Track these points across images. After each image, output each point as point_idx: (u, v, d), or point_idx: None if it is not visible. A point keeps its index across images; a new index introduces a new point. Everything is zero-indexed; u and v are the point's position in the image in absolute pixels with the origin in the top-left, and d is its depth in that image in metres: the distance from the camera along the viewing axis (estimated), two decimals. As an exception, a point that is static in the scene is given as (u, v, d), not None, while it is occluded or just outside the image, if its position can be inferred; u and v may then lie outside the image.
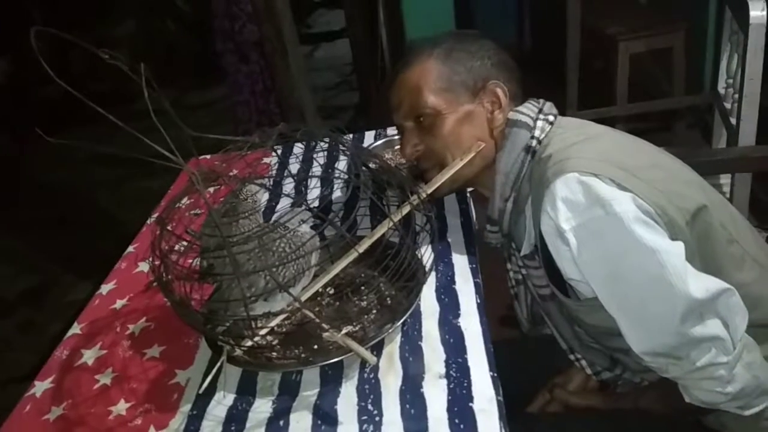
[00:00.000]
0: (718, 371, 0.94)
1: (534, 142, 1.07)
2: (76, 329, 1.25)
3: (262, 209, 1.40)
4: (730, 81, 2.01)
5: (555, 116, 1.11)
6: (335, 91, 4.97)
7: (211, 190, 1.32)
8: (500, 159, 1.10)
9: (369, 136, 1.81)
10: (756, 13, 1.71)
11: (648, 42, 3.07)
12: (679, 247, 0.93)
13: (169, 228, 1.00)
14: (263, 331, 1.03)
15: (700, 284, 0.92)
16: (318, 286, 1.08)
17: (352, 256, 1.08)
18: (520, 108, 1.12)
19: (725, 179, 2.25)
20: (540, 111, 1.12)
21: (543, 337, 1.37)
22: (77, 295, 3.18)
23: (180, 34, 5.60)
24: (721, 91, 2.12)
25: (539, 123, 1.09)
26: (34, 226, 3.87)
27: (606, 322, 1.01)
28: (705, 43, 3.17)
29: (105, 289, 1.36)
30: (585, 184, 0.94)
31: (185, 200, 1.64)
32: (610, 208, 0.92)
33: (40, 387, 1.11)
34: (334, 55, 5.74)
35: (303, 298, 1.02)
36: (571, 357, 1.21)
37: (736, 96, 1.90)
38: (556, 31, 3.07)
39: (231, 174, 1.16)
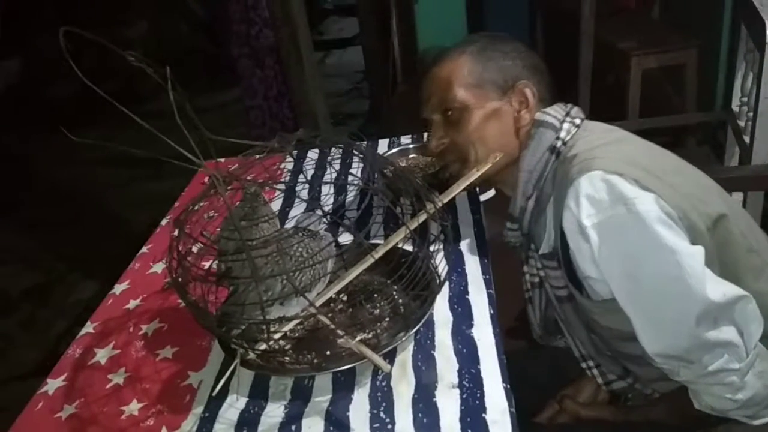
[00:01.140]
0: (729, 377, 0.95)
1: (559, 143, 1.09)
2: (89, 328, 1.25)
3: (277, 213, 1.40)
4: (745, 99, 2.01)
5: (582, 119, 1.13)
6: (346, 98, 4.98)
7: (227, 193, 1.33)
8: (524, 158, 1.11)
9: (383, 144, 1.82)
10: (773, 32, 1.71)
11: (661, 58, 3.08)
12: (699, 250, 0.93)
13: (183, 228, 1.00)
14: (277, 335, 1.04)
15: (718, 288, 0.92)
16: (333, 291, 1.09)
17: (368, 262, 1.08)
18: (547, 109, 1.14)
19: (736, 196, 2.25)
20: (567, 114, 1.13)
21: (552, 348, 1.37)
22: (82, 294, 3.20)
23: (192, 36, 5.63)
24: (735, 109, 2.12)
25: (565, 125, 1.10)
26: (40, 224, 3.89)
27: (621, 325, 1.02)
28: (718, 60, 3.17)
29: (118, 289, 1.36)
30: (609, 182, 0.95)
31: (198, 203, 1.65)
32: (633, 207, 0.93)
33: (53, 384, 1.12)
34: (345, 62, 5.77)
35: (317, 304, 1.02)
36: (583, 365, 1.21)
37: (751, 114, 1.90)
38: (568, 46, 3.08)
39: (249, 178, 1.16)
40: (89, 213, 3.91)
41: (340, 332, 0.98)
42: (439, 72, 1.17)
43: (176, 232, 0.99)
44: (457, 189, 1.22)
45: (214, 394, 0.98)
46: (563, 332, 1.23)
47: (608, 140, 1.08)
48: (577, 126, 1.11)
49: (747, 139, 1.94)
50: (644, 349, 1.00)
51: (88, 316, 1.30)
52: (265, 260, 0.95)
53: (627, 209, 0.94)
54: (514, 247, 1.23)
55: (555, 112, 1.13)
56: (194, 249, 1.03)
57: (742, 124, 2.04)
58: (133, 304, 1.30)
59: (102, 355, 1.17)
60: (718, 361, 0.94)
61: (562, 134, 1.09)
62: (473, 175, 1.24)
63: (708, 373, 0.95)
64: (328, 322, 0.98)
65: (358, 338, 0.99)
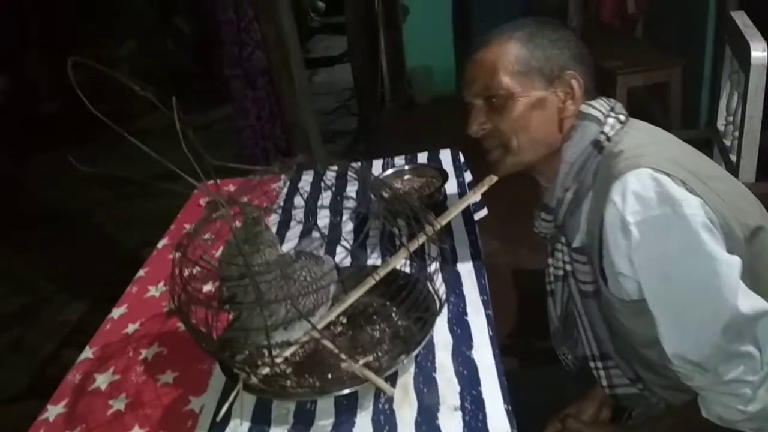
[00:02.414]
0: (742, 389, 0.96)
1: (603, 137, 1.08)
2: (88, 353, 1.24)
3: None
4: (730, 119, 2.05)
5: (626, 116, 1.12)
6: (334, 116, 5.00)
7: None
8: (566, 149, 1.10)
9: (377, 165, 1.83)
10: (757, 53, 1.74)
11: (645, 76, 3.13)
12: (737, 261, 0.94)
13: (186, 254, 1.01)
14: (279, 359, 1.04)
15: (749, 302, 0.93)
16: (335, 314, 1.09)
17: (370, 284, 1.09)
18: (592, 102, 1.12)
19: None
20: (612, 109, 1.12)
21: (547, 367, 1.38)
22: (71, 315, 3.16)
23: (180, 54, 5.63)
24: (721, 128, 2.15)
25: (610, 119, 1.09)
26: (28, 244, 3.85)
27: (644, 328, 1.02)
28: (701, 79, 3.23)
29: (116, 313, 1.36)
30: (658, 181, 0.95)
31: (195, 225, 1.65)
32: (680, 209, 0.94)
33: (53, 411, 1.11)
34: (332, 80, 5.79)
35: (319, 327, 1.03)
36: (592, 364, 1.20)
37: (737, 134, 1.93)
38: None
39: (248, 201, 1.17)
40: (77, 232, 3.88)
41: (343, 356, 0.98)
42: (485, 56, 1.13)
43: (177, 257, 1.00)
44: (455, 211, 1.24)
45: (218, 419, 0.98)
46: (578, 329, 1.22)
47: (654, 139, 1.08)
48: (622, 122, 1.10)
49: (733, 157, 1.97)
50: (662, 355, 1.01)
51: (77, 337, 1.30)
52: (269, 285, 0.96)
53: (673, 210, 0.94)
54: (543, 239, 1.23)
55: (600, 106, 1.11)
56: (195, 272, 1.03)
57: (728, 143, 2.07)
58: (131, 328, 1.30)
59: (102, 381, 1.17)
60: (733, 372, 0.95)
61: (606, 129, 1.08)
62: (469, 198, 1.26)
63: (722, 382, 0.96)
64: (332, 346, 0.99)
65: (361, 362, 1.00)
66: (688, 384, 1.02)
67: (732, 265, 0.94)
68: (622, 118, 1.11)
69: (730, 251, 0.95)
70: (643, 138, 1.07)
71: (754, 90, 1.78)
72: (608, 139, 1.08)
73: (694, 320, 0.96)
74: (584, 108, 1.11)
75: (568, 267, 1.18)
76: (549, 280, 1.25)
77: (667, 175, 0.96)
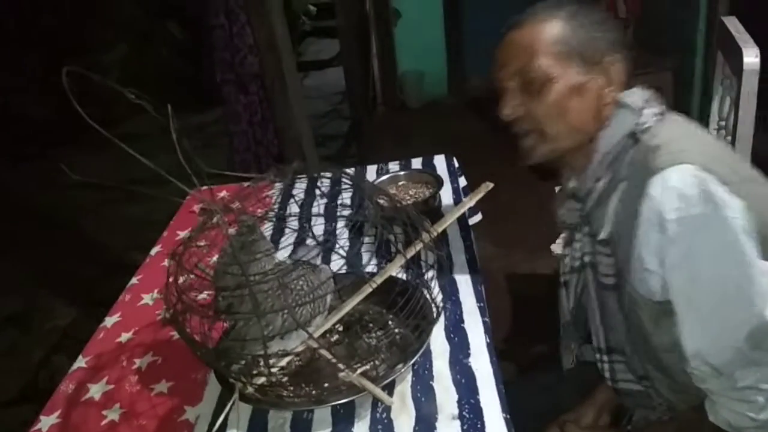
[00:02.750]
0: (755, 396, 0.95)
1: (639, 128, 1.03)
2: (81, 362, 1.23)
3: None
4: (722, 123, 2.05)
5: (662, 108, 1.07)
6: (325, 120, 4.99)
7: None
8: (601, 138, 1.06)
9: (371, 171, 1.83)
10: (750, 59, 1.75)
11: (636, 81, 3.13)
12: None
13: (181, 263, 1.00)
14: (275, 369, 1.03)
15: None
16: (331, 322, 1.09)
17: (367, 291, 1.08)
18: (629, 91, 1.07)
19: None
20: (648, 99, 1.06)
21: (542, 374, 1.37)
22: (59, 321, 3.14)
23: (172, 59, 5.61)
24: (713, 132, 2.16)
25: (647, 110, 1.04)
26: (15, 249, 3.82)
27: (664, 331, 1.01)
28: (693, 83, 3.25)
29: (109, 321, 1.34)
30: (701, 179, 0.93)
31: (187, 232, 1.63)
32: (722, 211, 0.92)
33: (47, 422, 1.10)
34: (323, 84, 5.78)
35: (316, 335, 1.02)
36: (597, 356, 1.19)
37: (729, 138, 1.94)
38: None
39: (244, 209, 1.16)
40: (63, 237, 3.84)
41: (341, 366, 0.98)
42: (522, 35, 1.05)
43: (174, 267, 0.99)
44: (451, 218, 1.24)
45: (215, 430, 0.97)
46: (591, 320, 1.19)
47: (691, 134, 1.05)
48: (658, 114, 1.04)
49: (726, 162, 1.98)
50: (678, 358, 1.00)
51: (66, 342, 1.29)
52: (266, 295, 0.95)
53: (715, 211, 0.92)
54: (566, 228, 1.20)
55: (637, 96, 1.06)
56: (191, 281, 1.02)
57: (720, 147, 2.08)
58: (125, 337, 1.29)
59: (96, 391, 1.15)
60: (749, 378, 0.95)
61: (643, 119, 1.03)
62: (466, 205, 1.26)
63: (736, 388, 0.96)
64: (330, 356, 0.98)
65: (359, 371, 0.99)
66: (701, 386, 1.01)
67: (766, 272, 0.93)
68: (658, 109, 1.06)
69: (764, 258, 0.94)
70: (681, 132, 1.04)
71: (747, 95, 1.79)
72: (644, 130, 1.03)
73: (720, 323, 0.95)
74: (622, 97, 1.06)
75: (587, 258, 1.15)
76: (564, 271, 1.22)
77: (711, 173, 0.93)
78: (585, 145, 1.08)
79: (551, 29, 1.03)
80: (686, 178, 0.93)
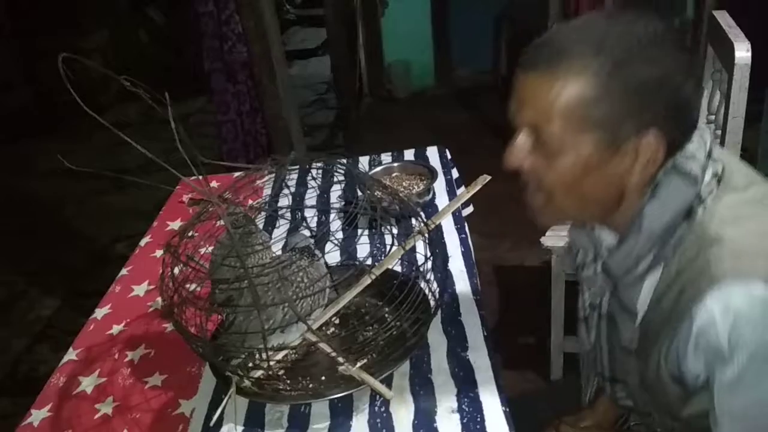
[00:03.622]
0: None
1: (697, 202, 0.83)
2: (71, 355, 1.21)
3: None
4: (712, 117, 2.06)
5: (722, 165, 0.85)
6: (311, 109, 4.95)
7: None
8: (648, 214, 0.84)
9: (363, 161, 1.81)
10: (741, 53, 1.75)
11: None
12: None
13: (177, 254, 0.98)
14: (273, 362, 1.02)
15: None
16: (330, 314, 1.08)
17: (366, 282, 1.07)
18: (688, 153, 0.83)
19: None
20: (709, 155, 0.85)
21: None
22: (42, 311, 3.10)
23: (153, 45, 5.53)
24: (703, 126, 2.18)
25: (707, 175, 0.83)
26: (-2, 236, 3.76)
27: (694, 405, 0.90)
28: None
29: (99, 313, 1.32)
30: None
31: (179, 222, 1.61)
32: None
33: (38, 416, 1.08)
34: (308, 73, 5.74)
35: (314, 327, 1.01)
36: (600, 378, 1.11)
37: (719, 132, 1.95)
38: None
39: (239, 200, 1.15)
40: (47, 226, 3.79)
41: (341, 359, 0.97)
42: (542, 87, 0.81)
43: (168, 258, 0.97)
44: (448, 210, 1.23)
45: (211, 424, 0.96)
46: (596, 350, 1.07)
47: (757, 206, 0.84)
48: (718, 176, 0.84)
49: (715, 155, 1.99)
50: (692, 421, 0.92)
51: (49, 332, 1.26)
52: (266, 288, 0.94)
53: None
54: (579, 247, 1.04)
55: (698, 156, 0.83)
56: (187, 274, 1.00)
57: (709, 140, 2.10)
58: (116, 329, 1.27)
59: (87, 384, 1.13)
60: None
61: (703, 190, 0.83)
62: (462, 197, 1.25)
63: None
64: (330, 349, 0.97)
65: (359, 365, 0.98)
66: None
67: None
68: (719, 167, 0.85)
69: None
70: (742, 205, 0.83)
71: (737, 89, 1.80)
72: (703, 203, 0.83)
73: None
74: (677, 161, 0.83)
75: (605, 307, 1.00)
76: (583, 306, 1.07)
77: None
78: (617, 211, 0.89)
79: (574, 87, 0.79)
80: (754, 302, 0.76)
